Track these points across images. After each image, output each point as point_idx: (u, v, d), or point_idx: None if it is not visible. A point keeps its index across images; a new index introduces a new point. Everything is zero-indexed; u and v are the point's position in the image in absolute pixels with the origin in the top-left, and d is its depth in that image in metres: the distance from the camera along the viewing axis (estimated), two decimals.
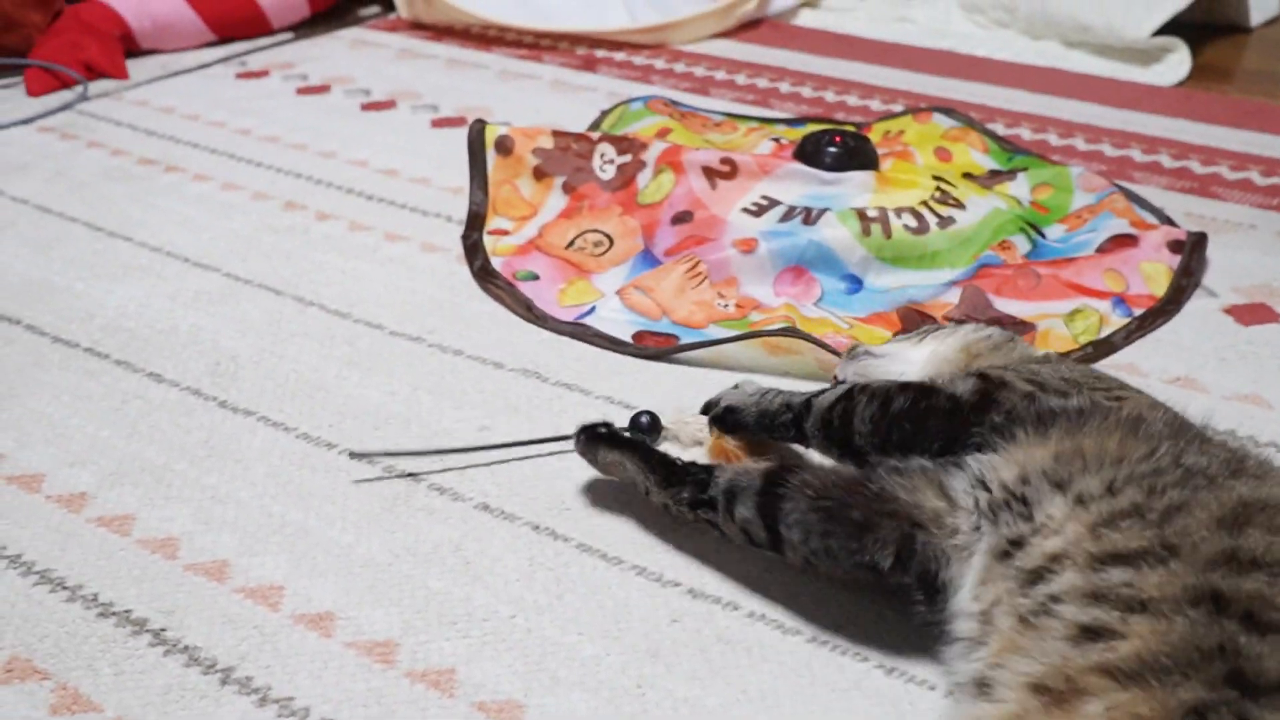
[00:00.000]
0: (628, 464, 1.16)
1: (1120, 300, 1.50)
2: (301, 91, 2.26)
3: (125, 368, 1.45)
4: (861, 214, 1.57)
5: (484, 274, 1.60)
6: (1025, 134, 2.08)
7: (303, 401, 1.38)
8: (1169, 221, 1.70)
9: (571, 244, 1.65)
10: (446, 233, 1.74)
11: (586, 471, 1.24)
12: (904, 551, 0.99)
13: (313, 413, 1.36)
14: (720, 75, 2.35)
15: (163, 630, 1.07)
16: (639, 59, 2.42)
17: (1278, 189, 1.88)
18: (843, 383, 1.21)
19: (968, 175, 1.81)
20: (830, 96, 2.26)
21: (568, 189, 1.73)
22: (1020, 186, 1.76)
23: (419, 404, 1.37)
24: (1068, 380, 1.08)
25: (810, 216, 1.58)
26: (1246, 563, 0.81)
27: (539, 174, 1.74)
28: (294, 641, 1.06)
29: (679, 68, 2.38)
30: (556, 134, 1.77)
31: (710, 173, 1.66)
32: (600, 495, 1.23)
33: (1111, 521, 0.88)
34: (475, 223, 1.70)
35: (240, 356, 1.46)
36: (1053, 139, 2.05)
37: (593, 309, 1.51)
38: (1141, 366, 1.45)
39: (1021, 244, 1.59)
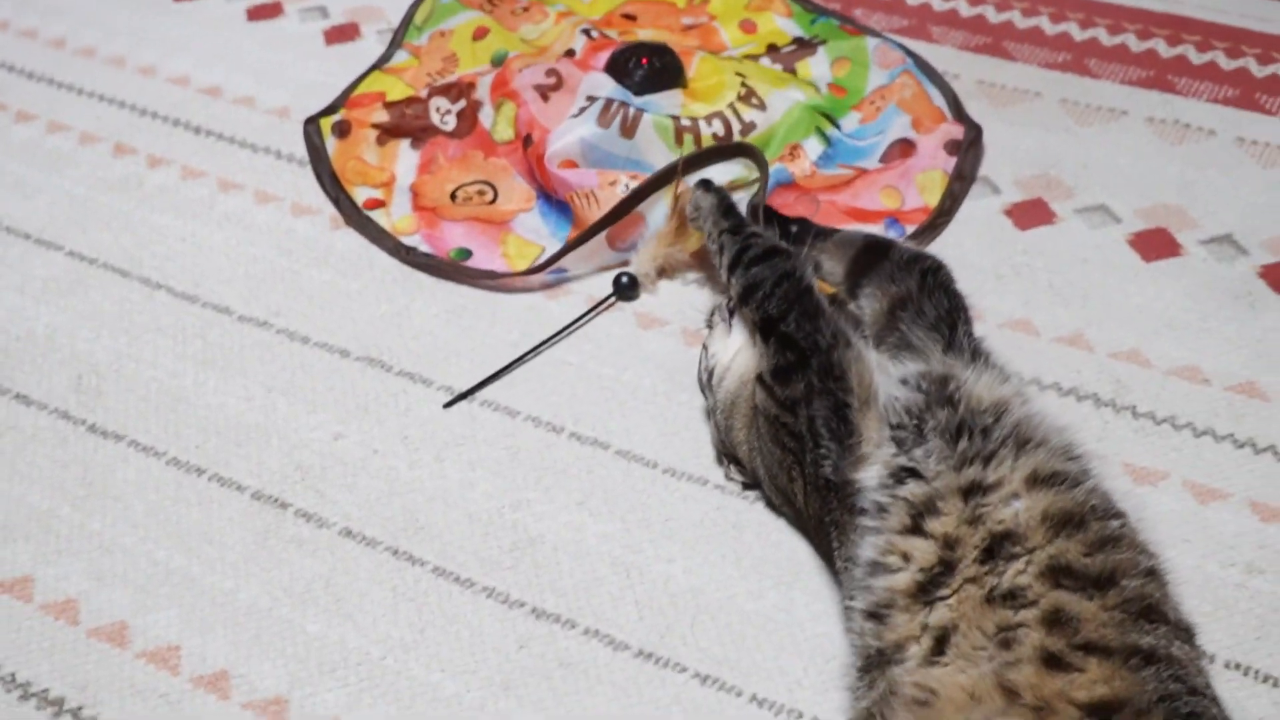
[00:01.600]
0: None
1: (894, 220, 1.64)
2: None
3: None
4: (676, 120, 1.68)
5: (434, 267, 1.66)
6: None
7: (166, 417, 1.50)
8: (955, 103, 1.79)
9: (454, 196, 1.73)
10: (277, 175, 1.81)
11: (436, 484, 1.40)
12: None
13: (178, 431, 1.48)
14: None
15: (80, 709, 1.24)
16: None
17: (1063, 40, 1.97)
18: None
19: (772, 47, 1.89)
20: None
21: (416, 145, 1.79)
22: (820, 63, 1.86)
23: (275, 410, 1.50)
24: None
25: (627, 120, 1.67)
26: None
27: (381, 140, 1.80)
28: (197, 707, 1.23)
29: None
30: (388, 105, 1.82)
31: (541, 90, 1.73)
32: (448, 508, 1.38)
33: (1062, 523, 1.05)
34: (346, 204, 1.74)
35: (100, 365, 1.56)
36: None
37: (565, 270, 1.61)
38: (980, 306, 1.58)
39: (813, 148, 1.71)
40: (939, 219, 1.66)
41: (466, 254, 1.65)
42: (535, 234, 1.66)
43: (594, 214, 1.59)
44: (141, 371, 1.55)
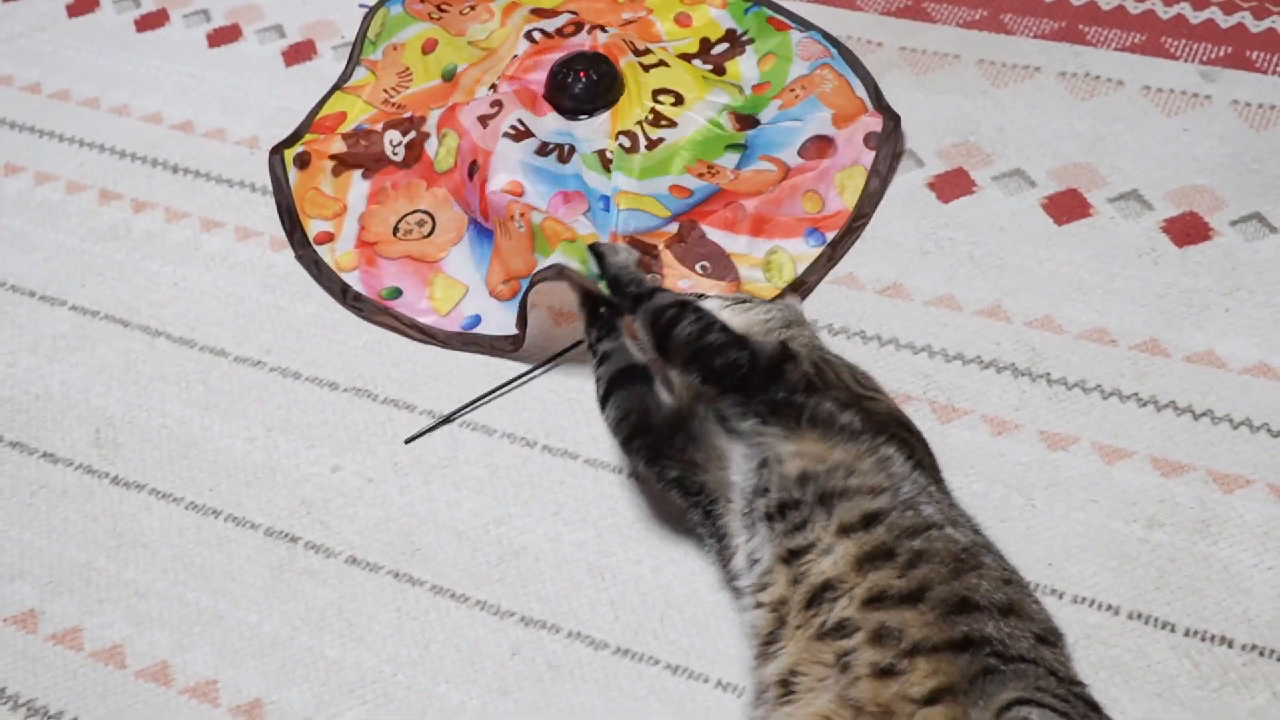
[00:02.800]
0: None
1: (814, 230, 1.76)
2: (72, 11, 2.33)
3: (20, 450, 1.71)
4: (601, 155, 1.82)
5: (358, 306, 1.80)
6: None
7: (179, 463, 1.66)
8: (876, 93, 1.90)
9: (396, 230, 1.87)
10: (253, 209, 1.94)
11: (426, 507, 1.57)
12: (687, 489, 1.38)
13: (192, 476, 1.65)
14: None
15: None
16: None
17: None
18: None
19: (706, 42, 2.01)
20: None
21: (367, 175, 1.93)
22: (749, 61, 1.97)
23: (276, 448, 1.66)
24: (851, 381, 1.39)
25: (564, 154, 1.82)
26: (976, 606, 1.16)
27: (337, 171, 1.93)
28: None
29: None
30: (345, 136, 1.95)
31: (483, 119, 1.87)
32: (439, 529, 1.55)
33: (872, 559, 1.21)
34: (298, 231, 1.88)
35: (115, 418, 1.72)
36: None
37: (478, 319, 1.75)
38: (859, 276, 1.75)
39: (729, 162, 1.83)
40: (856, 223, 1.78)
41: (397, 293, 1.80)
42: (461, 270, 1.80)
43: (504, 244, 1.74)
44: (152, 420, 1.71)
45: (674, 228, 1.77)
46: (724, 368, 1.35)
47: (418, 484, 1.59)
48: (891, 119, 1.85)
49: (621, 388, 1.46)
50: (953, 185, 1.82)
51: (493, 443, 1.62)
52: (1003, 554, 1.29)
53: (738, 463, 1.36)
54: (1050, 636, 1.19)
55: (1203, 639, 1.35)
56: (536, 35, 2.01)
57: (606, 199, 1.79)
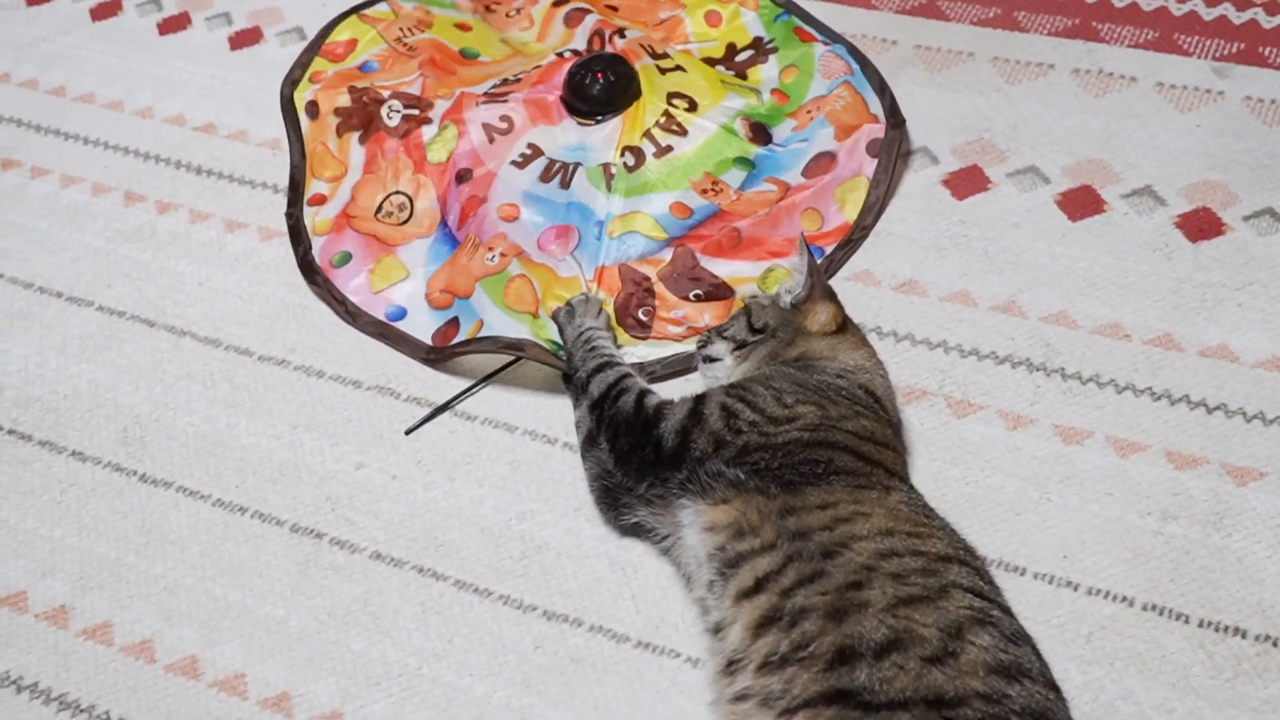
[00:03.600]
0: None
1: (813, 246, 1.77)
2: (96, 15, 2.35)
3: (50, 449, 1.74)
4: (605, 169, 1.84)
5: (307, 269, 1.85)
6: None
7: (207, 461, 1.69)
8: (893, 105, 1.88)
9: (380, 209, 1.89)
10: (276, 208, 1.97)
11: (450, 503, 1.59)
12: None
13: (219, 474, 1.68)
14: None
15: None
16: None
17: None
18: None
19: (731, 48, 2.03)
20: None
21: (364, 140, 1.96)
22: (770, 68, 1.99)
23: (301, 446, 1.69)
24: (773, 405, 1.41)
25: (566, 177, 1.84)
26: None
27: (340, 130, 1.97)
28: None
29: None
30: (352, 90, 1.97)
31: (489, 129, 1.89)
32: (463, 524, 1.57)
33: (763, 625, 1.25)
34: (296, 191, 1.93)
35: (142, 417, 1.75)
36: None
37: (403, 312, 1.78)
38: (875, 272, 1.77)
39: (734, 179, 1.84)
40: (856, 235, 1.78)
41: (347, 258, 1.85)
42: (412, 260, 1.83)
43: (463, 261, 1.78)
44: (179, 419, 1.73)
45: (668, 254, 1.78)
46: (638, 462, 1.44)
47: (441, 480, 1.61)
48: (896, 123, 1.84)
49: (595, 446, 1.51)
50: (967, 182, 1.83)
51: (515, 440, 1.65)
52: (943, 530, 1.32)
53: (684, 535, 1.41)
54: (951, 646, 1.19)
55: (1217, 630, 1.37)
56: (566, 53, 2.02)
57: (601, 224, 1.81)
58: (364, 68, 2.02)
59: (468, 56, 2.05)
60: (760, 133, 1.88)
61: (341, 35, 2.07)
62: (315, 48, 2.05)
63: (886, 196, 1.80)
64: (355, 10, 2.10)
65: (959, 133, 1.89)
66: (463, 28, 2.08)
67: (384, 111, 1.95)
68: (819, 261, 1.73)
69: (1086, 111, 1.89)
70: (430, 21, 2.08)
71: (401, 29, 2.05)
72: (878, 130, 1.83)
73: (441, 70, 2.00)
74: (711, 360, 1.59)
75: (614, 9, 2.11)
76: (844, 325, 1.53)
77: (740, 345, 1.56)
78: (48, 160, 2.10)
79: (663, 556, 1.48)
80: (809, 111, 1.89)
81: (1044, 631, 1.37)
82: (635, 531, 1.50)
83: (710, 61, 2.00)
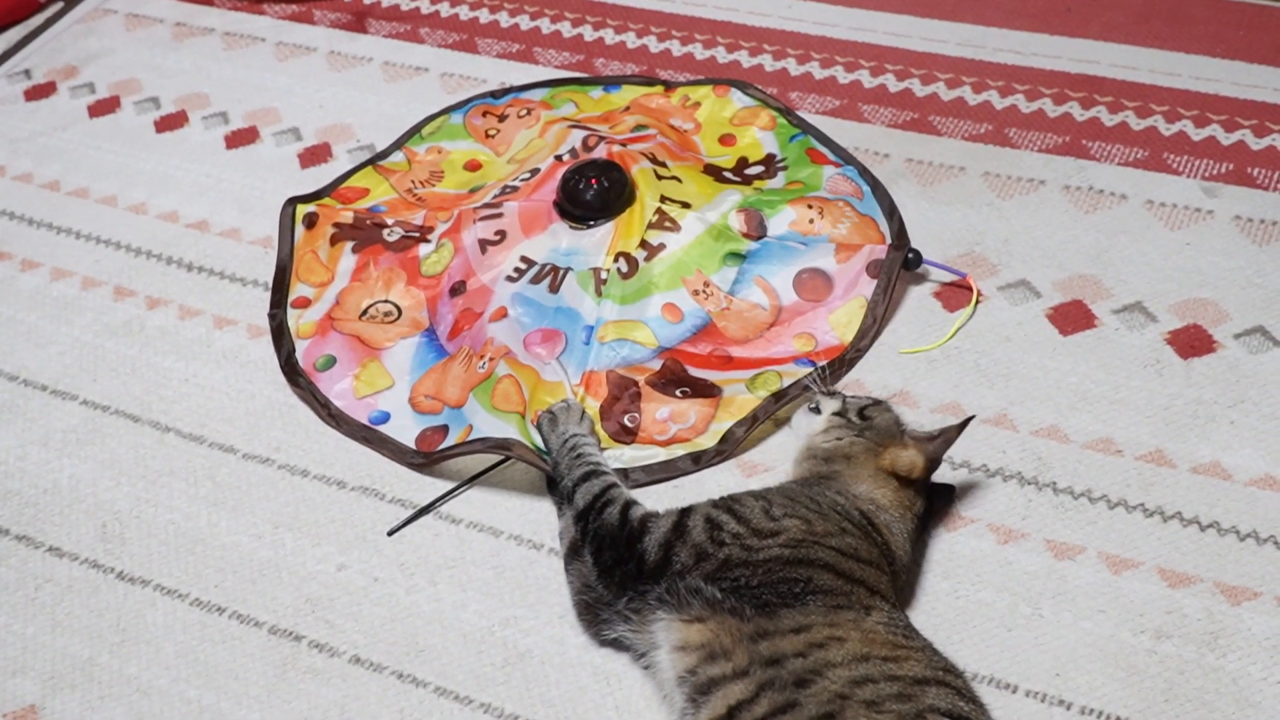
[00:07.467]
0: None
1: (805, 360, 1.77)
2: (94, 112, 2.37)
3: (27, 544, 1.71)
4: (596, 274, 1.84)
5: (290, 371, 1.84)
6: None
7: (186, 559, 1.66)
8: (899, 223, 1.88)
9: (365, 313, 1.89)
10: (266, 306, 1.96)
11: (432, 607, 1.56)
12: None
13: (198, 572, 1.65)
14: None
15: None
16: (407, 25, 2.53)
17: (985, 110, 2.11)
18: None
19: (743, 161, 2.04)
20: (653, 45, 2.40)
21: (356, 250, 1.96)
22: (776, 183, 2.00)
23: (283, 546, 1.66)
24: (760, 517, 1.40)
25: (556, 280, 1.84)
26: None
27: (334, 240, 1.97)
28: None
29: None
30: (357, 213, 1.99)
31: (483, 243, 1.89)
32: (445, 629, 1.54)
33: None
34: (279, 292, 1.93)
35: (122, 512, 1.72)
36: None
37: (387, 416, 1.77)
38: (867, 382, 1.76)
39: (725, 278, 1.84)
40: (851, 354, 1.77)
41: (331, 362, 1.84)
42: (396, 366, 1.83)
43: (457, 370, 1.77)
44: (159, 516, 1.71)
45: (657, 364, 1.77)
46: (621, 576, 1.43)
47: (424, 584, 1.59)
48: (898, 245, 1.83)
49: (578, 557, 1.50)
50: (959, 295, 1.84)
51: (500, 544, 1.62)
52: (922, 651, 1.29)
53: (658, 656, 1.39)
54: None
55: None
56: (565, 156, 2.03)
57: (590, 329, 1.80)
58: (372, 209, 2.03)
59: (473, 193, 2.06)
60: (755, 223, 1.87)
61: (356, 183, 2.09)
62: (329, 189, 2.07)
63: (884, 319, 1.79)
64: (371, 161, 2.12)
65: (951, 246, 1.90)
66: (472, 167, 2.10)
67: (384, 232, 1.96)
68: (810, 371, 1.72)
69: (1077, 227, 1.90)
70: (441, 173, 2.09)
71: (413, 181, 2.07)
72: (880, 251, 1.82)
73: (446, 210, 2.01)
74: (815, 411, 1.58)
75: (627, 109, 2.13)
76: (913, 483, 1.49)
77: (842, 416, 1.54)
78: (40, 253, 2.10)
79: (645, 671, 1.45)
80: (810, 206, 1.88)
81: None
82: (616, 644, 1.46)
83: (718, 169, 2.00)
